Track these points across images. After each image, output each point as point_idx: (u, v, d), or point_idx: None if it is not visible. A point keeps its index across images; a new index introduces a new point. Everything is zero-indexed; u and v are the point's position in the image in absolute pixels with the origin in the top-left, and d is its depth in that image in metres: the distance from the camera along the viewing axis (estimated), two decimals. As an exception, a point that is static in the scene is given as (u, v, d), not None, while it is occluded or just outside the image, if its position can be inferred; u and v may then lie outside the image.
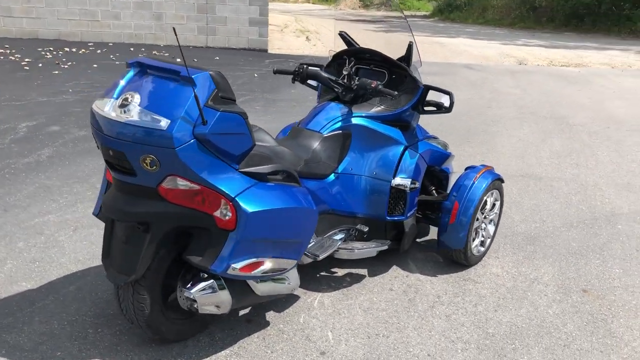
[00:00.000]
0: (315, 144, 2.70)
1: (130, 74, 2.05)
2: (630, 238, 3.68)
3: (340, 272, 3.06)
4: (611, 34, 19.09)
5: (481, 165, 3.20)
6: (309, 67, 2.97)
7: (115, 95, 1.99)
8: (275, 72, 3.11)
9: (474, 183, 3.03)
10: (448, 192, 3.19)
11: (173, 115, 1.88)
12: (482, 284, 3.03)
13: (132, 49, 10.20)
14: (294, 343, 2.47)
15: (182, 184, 2.00)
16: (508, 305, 2.85)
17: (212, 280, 2.16)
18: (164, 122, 1.87)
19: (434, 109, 2.98)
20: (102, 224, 2.26)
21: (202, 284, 2.15)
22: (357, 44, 3.21)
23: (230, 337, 2.47)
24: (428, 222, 3.27)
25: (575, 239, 3.63)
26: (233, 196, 2.02)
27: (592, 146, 5.84)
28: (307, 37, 14.07)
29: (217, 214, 2.04)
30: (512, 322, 2.71)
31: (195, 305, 2.17)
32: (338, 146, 2.78)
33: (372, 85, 2.76)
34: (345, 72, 2.91)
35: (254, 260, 2.13)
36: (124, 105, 1.93)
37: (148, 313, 2.20)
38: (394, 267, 3.14)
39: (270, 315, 2.64)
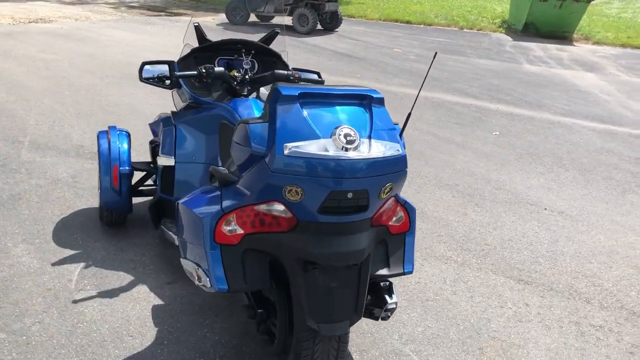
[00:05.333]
0: None
1: (301, 108, 1.79)
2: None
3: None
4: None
5: None
6: (216, 69, 2.76)
7: (320, 134, 1.75)
8: (178, 76, 2.75)
9: None
10: None
11: (395, 138, 1.87)
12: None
13: None
14: (381, 328, 2.62)
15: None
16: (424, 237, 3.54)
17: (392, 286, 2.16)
18: (398, 147, 1.86)
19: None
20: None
21: (394, 292, 2.12)
22: (207, 37, 3.15)
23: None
24: None
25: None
26: (405, 200, 2.13)
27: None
28: None
29: (390, 222, 2.08)
30: (450, 241, 3.49)
31: (389, 314, 2.12)
32: None
33: (297, 76, 2.87)
34: (246, 66, 2.94)
35: None
36: (351, 142, 1.75)
37: (347, 352, 1.97)
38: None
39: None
